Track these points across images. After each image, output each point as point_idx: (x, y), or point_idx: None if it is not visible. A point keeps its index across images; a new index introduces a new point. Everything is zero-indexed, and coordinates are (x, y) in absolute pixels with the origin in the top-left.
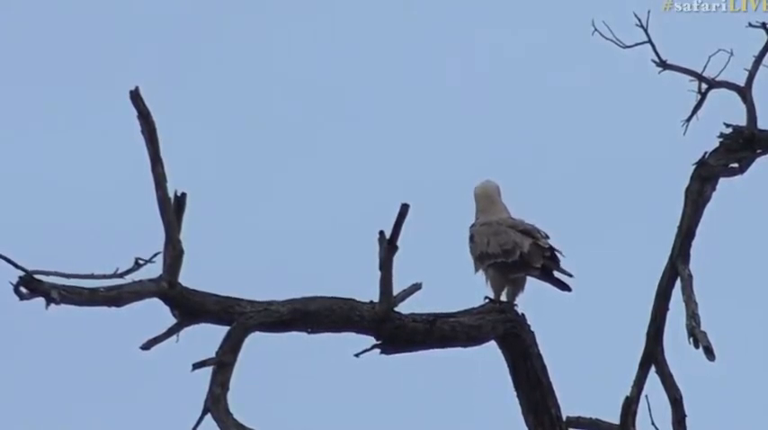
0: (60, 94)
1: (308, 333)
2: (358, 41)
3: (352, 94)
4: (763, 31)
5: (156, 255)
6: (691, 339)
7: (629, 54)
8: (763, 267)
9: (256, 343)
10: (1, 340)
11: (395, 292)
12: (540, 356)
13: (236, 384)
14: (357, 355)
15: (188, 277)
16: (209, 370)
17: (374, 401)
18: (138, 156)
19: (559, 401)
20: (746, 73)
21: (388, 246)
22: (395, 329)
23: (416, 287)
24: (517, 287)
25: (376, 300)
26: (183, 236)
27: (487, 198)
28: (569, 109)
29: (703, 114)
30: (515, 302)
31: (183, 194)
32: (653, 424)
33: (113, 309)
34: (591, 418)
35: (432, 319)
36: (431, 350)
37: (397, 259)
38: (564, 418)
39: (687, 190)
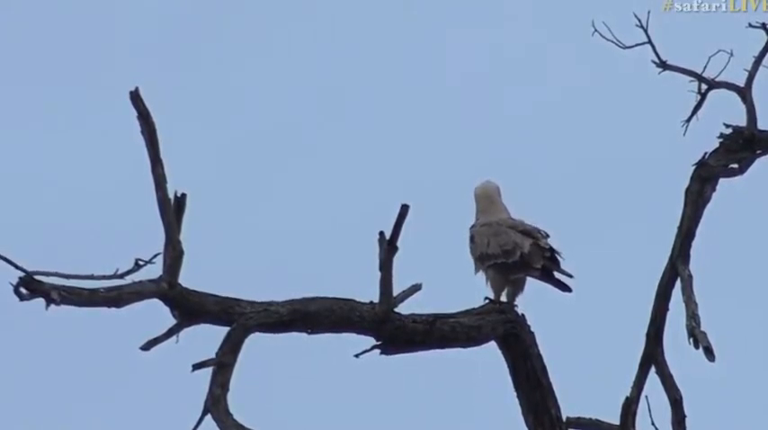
0: (60, 93)
1: (308, 333)
2: (358, 42)
3: (352, 94)
4: (763, 32)
5: (156, 255)
6: (691, 340)
7: (629, 54)
8: (763, 267)
9: (256, 343)
10: (1, 341)
11: (395, 293)
12: (540, 357)
13: (236, 385)
14: (357, 356)
15: (188, 278)
16: (209, 370)
17: (374, 402)
18: (138, 156)
19: (559, 402)
20: (746, 73)
21: (388, 247)
22: (395, 330)
23: (416, 288)
24: (517, 288)
25: (376, 300)
26: (182, 236)
27: (488, 198)
28: (569, 109)
29: (703, 115)
30: (515, 303)
31: (183, 195)
32: (653, 424)
33: (113, 309)
34: (591, 419)
35: (432, 320)
36: (431, 351)
37: (397, 260)
38: (564, 419)
39: (687, 190)
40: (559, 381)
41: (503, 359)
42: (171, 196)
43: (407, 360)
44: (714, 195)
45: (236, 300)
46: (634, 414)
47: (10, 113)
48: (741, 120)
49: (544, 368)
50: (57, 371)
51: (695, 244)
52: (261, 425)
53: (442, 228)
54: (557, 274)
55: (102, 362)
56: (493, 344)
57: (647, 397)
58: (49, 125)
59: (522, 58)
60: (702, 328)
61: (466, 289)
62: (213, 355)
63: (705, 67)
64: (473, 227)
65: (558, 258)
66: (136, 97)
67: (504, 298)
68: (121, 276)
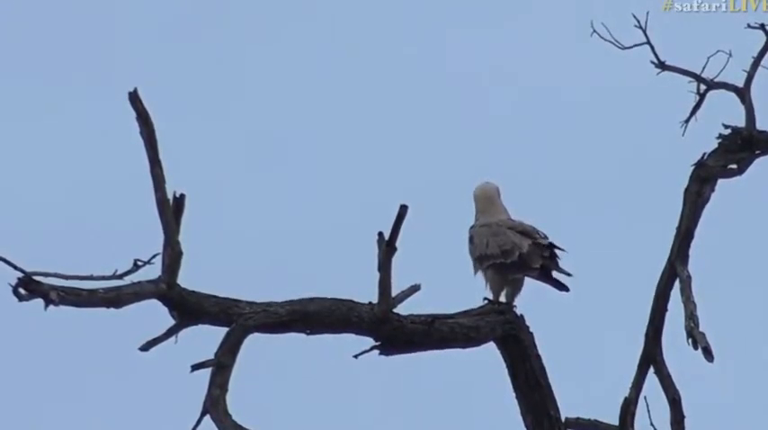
0: (60, 93)
1: (307, 334)
2: (358, 41)
3: (352, 94)
4: (762, 32)
5: (154, 256)
6: (689, 340)
7: (628, 55)
8: (763, 268)
9: (255, 344)
10: (0, 341)
11: (394, 293)
12: (539, 357)
13: (236, 385)
14: (356, 356)
15: (187, 278)
16: (208, 371)
17: (374, 402)
18: (137, 157)
19: (558, 402)
20: (745, 74)
21: (387, 248)
22: (394, 330)
23: (415, 288)
24: (515, 288)
25: (375, 301)
26: (181, 237)
27: (487, 199)
28: (568, 110)
29: (702, 115)
30: (514, 303)
31: (182, 195)
32: (652, 424)
33: (112, 310)
34: (590, 419)
35: (430, 320)
36: (430, 351)
37: (396, 260)
38: (563, 419)
39: (686, 191)
40: (558, 382)
41: (502, 360)
42: (170, 196)
43: (406, 360)
44: (713, 196)
45: (235, 300)
46: (633, 414)
47: (10, 113)
48: (740, 121)
49: (543, 369)
50: (56, 371)
51: (694, 244)
52: (260, 426)
53: (441, 228)
54: (555, 274)
55: (102, 362)
56: (492, 345)
57: (645, 397)
58: (48, 125)
59: (522, 58)
60: (701, 329)
61: (465, 289)
62: (212, 356)
63: (704, 67)
64: (472, 227)
65: (558, 256)
66: (135, 98)
67: (502, 298)
68: (120, 277)
